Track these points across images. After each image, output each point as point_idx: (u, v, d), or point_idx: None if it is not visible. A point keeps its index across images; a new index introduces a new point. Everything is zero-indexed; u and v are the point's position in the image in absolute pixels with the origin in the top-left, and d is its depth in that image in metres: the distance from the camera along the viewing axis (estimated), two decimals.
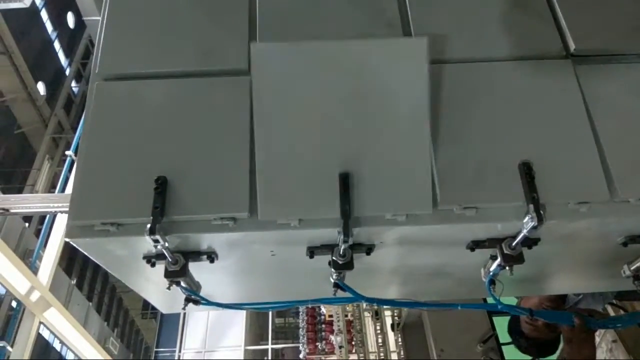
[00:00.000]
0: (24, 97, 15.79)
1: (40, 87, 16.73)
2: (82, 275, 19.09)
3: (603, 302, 2.66)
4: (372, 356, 9.07)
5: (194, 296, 1.50)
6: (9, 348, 11.42)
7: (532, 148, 1.44)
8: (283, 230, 1.37)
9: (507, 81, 1.55)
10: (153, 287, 1.67)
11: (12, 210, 4.68)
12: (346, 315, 10.20)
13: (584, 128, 1.47)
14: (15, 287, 10.43)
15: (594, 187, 1.40)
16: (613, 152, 1.44)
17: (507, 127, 1.48)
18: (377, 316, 8.64)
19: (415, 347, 5.83)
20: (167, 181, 1.37)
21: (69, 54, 18.56)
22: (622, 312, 2.80)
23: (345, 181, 1.35)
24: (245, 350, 15.57)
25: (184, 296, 1.50)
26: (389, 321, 7.79)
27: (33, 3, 13.25)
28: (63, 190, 11.45)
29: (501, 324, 4.13)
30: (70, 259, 17.37)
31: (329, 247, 1.42)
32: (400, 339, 6.69)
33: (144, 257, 1.44)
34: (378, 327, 8.62)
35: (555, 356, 2.48)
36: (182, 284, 1.45)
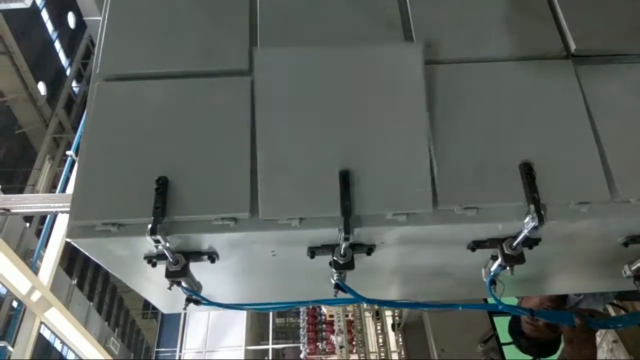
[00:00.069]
0: (25, 97, 15.81)
1: (41, 87, 16.74)
2: (83, 275, 19.11)
3: (604, 302, 2.66)
4: (372, 356, 9.06)
5: (194, 296, 1.50)
6: (9, 348, 11.43)
7: (532, 148, 1.44)
8: (284, 230, 1.37)
9: (507, 81, 1.55)
10: (154, 287, 1.67)
11: (13, 210, 4.69)
12: (347, 315, 10.19)
13: (584, 128, 1.47)
14: (16, 287, 10.45)
15: (595, 187, 1.40)
16: (614, 152, 1.44)
17: (508, 127, 1.48)
18: (378, 316, 8.65)
19: (415, 347, 5.84)
20: (168, 181, 1.37)
21: (69, 54, 18.57)
22: (622, 312, 2.79)
23: (345, 178, 1.36)
24: (246, 350, 15.59)
25: (184, 296, 1.50)
26: (389, 321, 7.78)
27: (34, 3, 13.25)
28: (64, 190, 11.46)
29: (502, 324, 4.13)
30: (71, 259, 17.39)
31: (330, 247, 1.42)
32: (400, 339, 6.70)
33: (145, 258, 1.44)
34: (379, 327, 8.62)
35: (556, 356, 2.48)
36: (183, 284, 1.45)
